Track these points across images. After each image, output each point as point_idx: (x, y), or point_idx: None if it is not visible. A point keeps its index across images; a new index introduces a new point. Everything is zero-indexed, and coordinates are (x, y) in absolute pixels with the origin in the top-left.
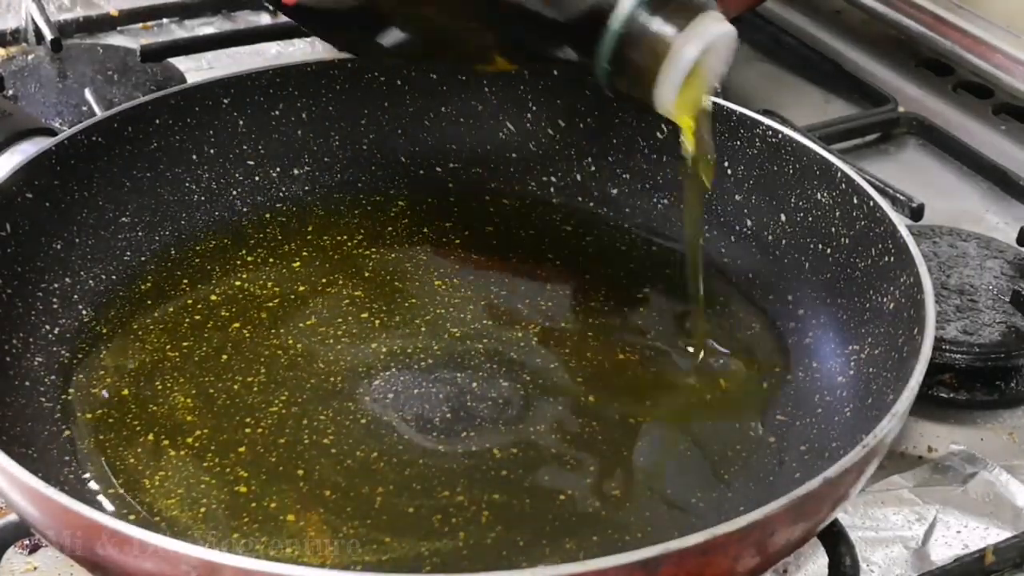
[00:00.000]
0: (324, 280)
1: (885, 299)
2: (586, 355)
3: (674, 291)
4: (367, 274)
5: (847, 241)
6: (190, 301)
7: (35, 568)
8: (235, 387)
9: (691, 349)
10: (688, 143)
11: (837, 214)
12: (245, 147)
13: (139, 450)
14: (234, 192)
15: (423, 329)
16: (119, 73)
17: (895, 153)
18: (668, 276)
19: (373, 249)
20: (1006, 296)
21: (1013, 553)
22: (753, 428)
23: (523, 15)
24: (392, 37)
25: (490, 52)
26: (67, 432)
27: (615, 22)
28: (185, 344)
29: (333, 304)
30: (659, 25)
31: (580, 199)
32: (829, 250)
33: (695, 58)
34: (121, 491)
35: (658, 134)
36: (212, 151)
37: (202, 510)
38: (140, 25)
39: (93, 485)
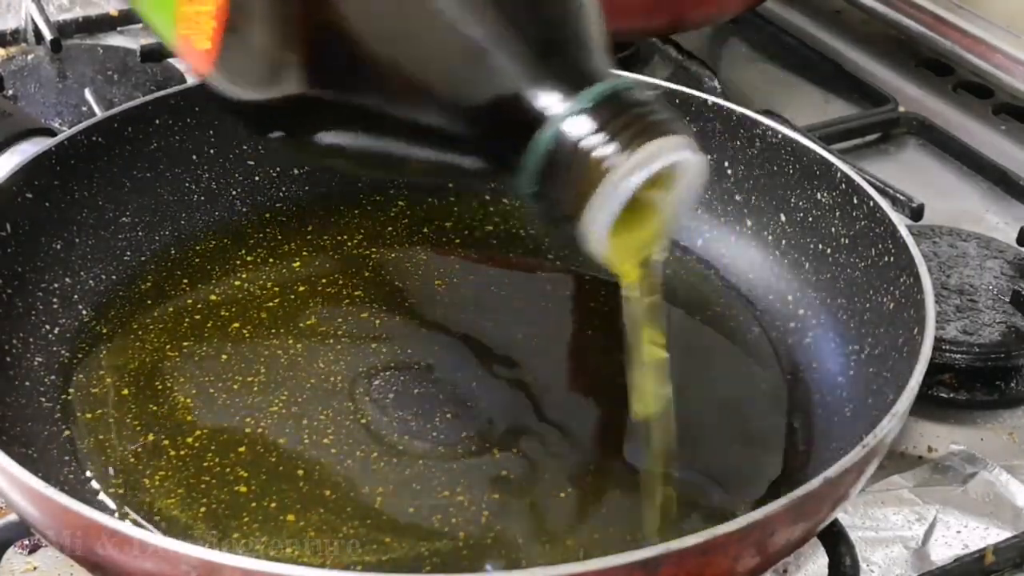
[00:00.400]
0: (324, 280)
1: (885, 299)
2: (586, 355)
3: (674, 291)
4: (367, 274)
5: (847, 241)
6: (190, 301)
7: (35, 568)
8: (235, 387)
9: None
10: (630, 304)
11: (837, 214)
12: (245, 147)
13: (139, 450)
14: (234, 192)
15: (423, 329)
16: (119, 73)
17: (895, 153)
18: (668, 276)
19: (373, 249)
20: (1006, 296)
21: (1013, 553)
22: (753, 428)
23: (441, 119)
24: (324, 137)
25: (411, 160)
26: (67, 432)
27: (544, 135)
28: (185, 344)
29: (333, 304)
30: (596, 143)
31: None
32: (829, 250)
33: (635, 188)
34: (121, 491)
35: None
36: (212, 151)
37: (202, 510)
38: (140, 25)
39: (93, 485)
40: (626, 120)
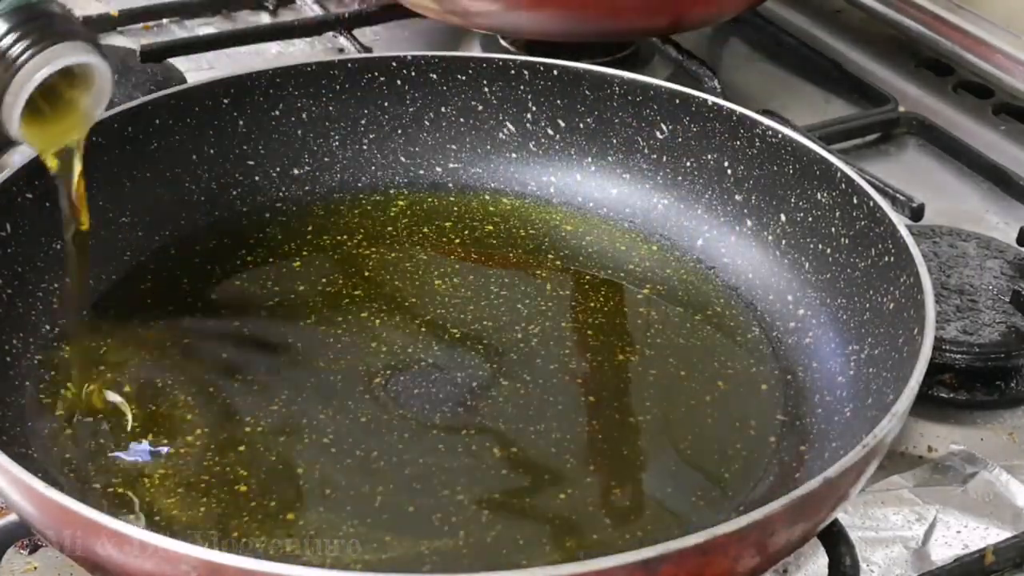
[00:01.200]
0: (324, 280)
1: (885, 299)
2: (586, 355)
3: (674, 291)
4: (367, 274)
5: (847, 241)
6: (190, 301)
7: (35, 568)
8: (235, 387)
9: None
10: (56, 182)
11: (837, 214)
12: (245, 147)
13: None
14: (234, 192)
15: (423, 329)
16: (119, 73)
17: (895, 153)
18: (668, 276)
19: (373, 249)
20: (1006, 296)
21: (1013, 553)
22: (752, 428)
23: None
24: None
25: None
26: (67, 431)
27: None
28: (185, 344)
29: (333, 304)
30: (7, 44)
31: (580, 199)
32: (829, 250)
33: (39, 83)
34: (121, 490)
35: (658, 134)
36: (212, 151)
37: (202, 509)
38: (140, 25)
39: (93, 485)
40: (35, 26)
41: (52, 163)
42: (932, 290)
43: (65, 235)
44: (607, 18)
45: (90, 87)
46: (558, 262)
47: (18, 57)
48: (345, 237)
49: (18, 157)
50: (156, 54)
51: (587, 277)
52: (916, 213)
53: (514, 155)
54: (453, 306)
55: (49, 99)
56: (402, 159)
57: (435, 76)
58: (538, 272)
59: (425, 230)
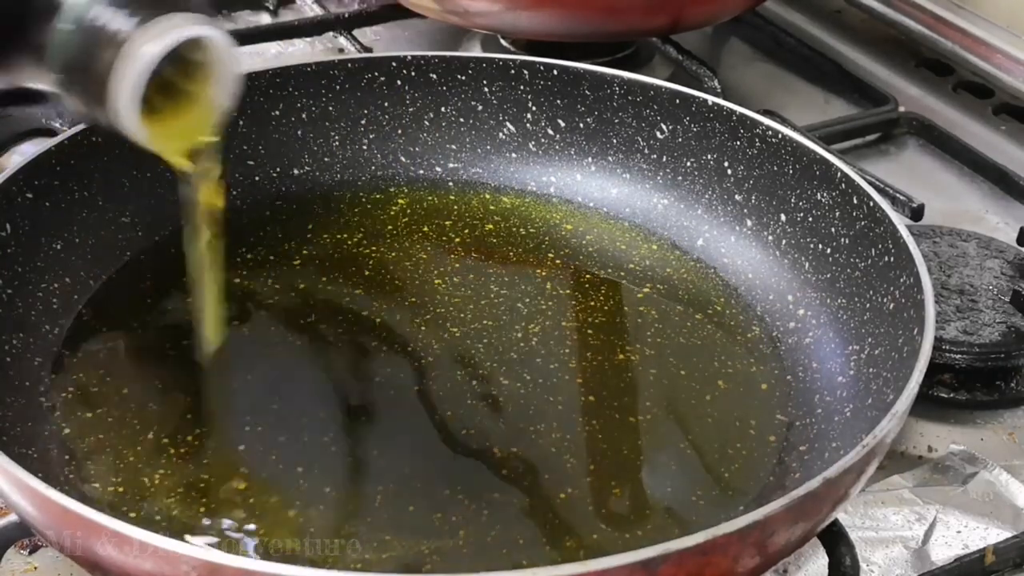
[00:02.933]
0: (324, 279)
1: (885, 299)
2: (586, 355)
3: (675, 291)
4: (367, 273)
5: (847, 241)
6: (190, 300)
7: (35, 568)
8: (235, 386)
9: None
10: (189, 199)
11: (837, 214)
12: (245, 147)
13: (139, 448)
14: (234, 192)
15: (423, 329)
16: None
17: (895, 153)
18: (668, 275)
19: (373, 248)
20: (1006, 296)
21: (1013, 553)
22: (752, 428)
23: None
24: None
25: None
26: (67, 431)
27: (65, 18)
28: (185, 343)
29: (333, 303)
30: (116, 19)
31: (580, 199)
32: (829, 250)
33: (155, 58)
34: (121, 490)
35: (658, 134)
36: None
37: (202, 509)
38: None
39: (93, 485)
40: (143, 1)
41: (183, 163)
42: (932, 290)
43: (194, 244)
44: (607, 18)
45: (210, 74)
46: (558, 261)
47: (125, 31)
48: (345, 236)
49: (17, 157)
50: None
51: (587, 276)
52: (916, 213)
53: (514, 155)
54: (453, 305)
55: (165, 92)
56: (402, 159)
57: (435, 76)
58: (538, 271)
59: (425, 229)
